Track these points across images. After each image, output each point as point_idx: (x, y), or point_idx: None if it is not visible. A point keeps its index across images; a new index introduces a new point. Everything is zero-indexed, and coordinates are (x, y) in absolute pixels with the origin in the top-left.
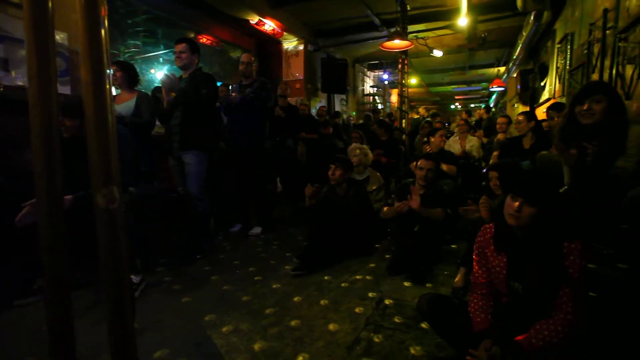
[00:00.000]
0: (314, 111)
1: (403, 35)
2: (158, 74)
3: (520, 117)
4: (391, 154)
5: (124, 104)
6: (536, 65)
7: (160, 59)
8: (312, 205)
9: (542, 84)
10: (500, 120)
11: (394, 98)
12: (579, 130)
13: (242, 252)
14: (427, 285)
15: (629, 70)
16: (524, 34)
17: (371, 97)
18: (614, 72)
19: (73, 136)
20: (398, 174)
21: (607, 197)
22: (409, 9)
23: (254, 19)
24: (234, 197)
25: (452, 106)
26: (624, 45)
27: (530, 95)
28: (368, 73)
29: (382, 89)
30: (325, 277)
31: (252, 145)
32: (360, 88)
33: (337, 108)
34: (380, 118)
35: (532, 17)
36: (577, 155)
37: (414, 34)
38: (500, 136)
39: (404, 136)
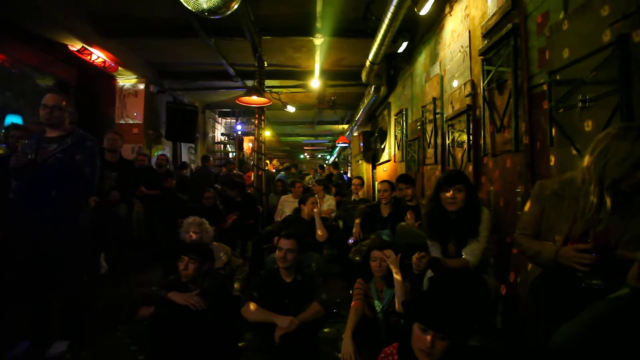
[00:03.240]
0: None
1: (260, 91)
2: None
3: (385, 186)
4: (247, 215)
5: None
6: (375, 128)
7: None
8: (154, 314)
9: (382, 146)
10: (355, 181)
11: (246, 145)
12: (444, 215)
13: None
14: None
15: (458, 152)
16: (365, 101)
17: (222, 145)
18: (446, 152)
19: None
20: (256, 237)
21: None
22: (266, 65)
23: (75, 46)
24: (17, 297)
25: (302, 156)
26: (452, 131)
27: (372, 155)
28: (219, 119)
29: (234, 138)
30: None
31: (57, 227)
32: (211, 135)
33: (185, 157)
34: (234, 172)
35: (372, 89)
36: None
37: (269, 88)
38: (355, 197)
39: (263, 196)
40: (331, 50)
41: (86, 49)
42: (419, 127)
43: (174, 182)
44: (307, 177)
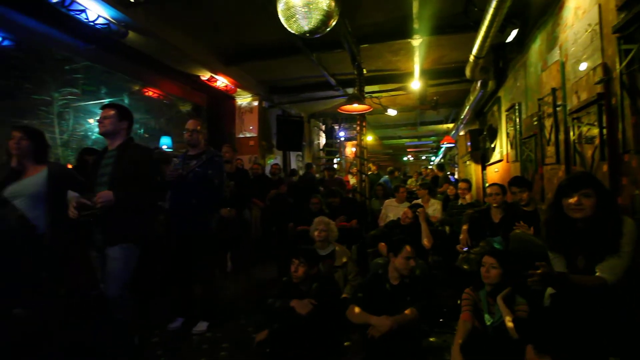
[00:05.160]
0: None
1: (361, 99)
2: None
3: (495, 190)
4: (351, 218)
5: (26, 180)
6: (483, 126)
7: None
8: (271, 305)
9: (492, 145)
10: (461, 185)
11: (349, 151)
12: (569, 223)
13: None
14: None
15: (587, 149)
16: (471, 98)
17: (326, 152)
18: (571, 149)
19: None
20: (360, 241)
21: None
22: (365, 72)
23: (205, 76)
24: (172, 285)
25: (405, 158)
26: (579, 125)
27: (482, 155)
28: (323, 127)
29: (338, 144)
30: None
31: (195, 228)
32: (316, 142)
33: (293, 165)
34: (335, 177)
35: (478, 84)
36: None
37: (369, 94)
38: (462, 201)
39: (366, 201)
40: (430, 49)
41: (213, 77)
42: (536, 123)
43: (285, 188)
44: (410, 180)
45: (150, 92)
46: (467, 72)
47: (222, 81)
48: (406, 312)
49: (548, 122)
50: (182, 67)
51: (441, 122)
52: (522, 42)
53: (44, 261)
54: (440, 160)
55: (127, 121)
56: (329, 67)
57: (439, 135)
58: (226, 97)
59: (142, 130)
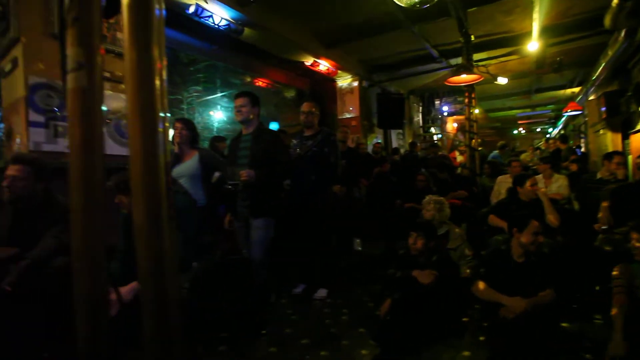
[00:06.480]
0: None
1: (470, 68)
2: (217, 114)
3: None
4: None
5: (186, 163)
6: (625, 85)
7: (218, 104)
8: (392, 275)
9: (639, 109)
10: (617, 159)
11: (450, 127)
12: None
13: (309, 324)
14: None
15: None
16: (609, 53)
17: (427, 128)
18: None
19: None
20: (470, 220)
21: None
22: (472, 39)
23: (308, 61)
24: (295, 253)
25: (515, 131)
26: None
27: (623, 121)
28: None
29: (439, 119)
30: None
31: (314, 203)
32: (416, 119)
33: (395, 143)
34: (440, 154)
35: (622, 34)
36: None
37: (476, 62)
38: (602, 174)
39: (478, 178)
40: (554, 1)
41: (316, 61)
42: None
43: (388, 166)
44: (523, 155)
45: (259, 82)
46: (607, 21)
47: (324, 65)
48: (541, 293)
49: None
50: (288, 55)
51: (563, 87)
52: None
53: (206, 229)
54: (560, 131)
55: (258, 107)
56: (430, 38)
57: (560, 102)
58: (327, 80)
59: None
